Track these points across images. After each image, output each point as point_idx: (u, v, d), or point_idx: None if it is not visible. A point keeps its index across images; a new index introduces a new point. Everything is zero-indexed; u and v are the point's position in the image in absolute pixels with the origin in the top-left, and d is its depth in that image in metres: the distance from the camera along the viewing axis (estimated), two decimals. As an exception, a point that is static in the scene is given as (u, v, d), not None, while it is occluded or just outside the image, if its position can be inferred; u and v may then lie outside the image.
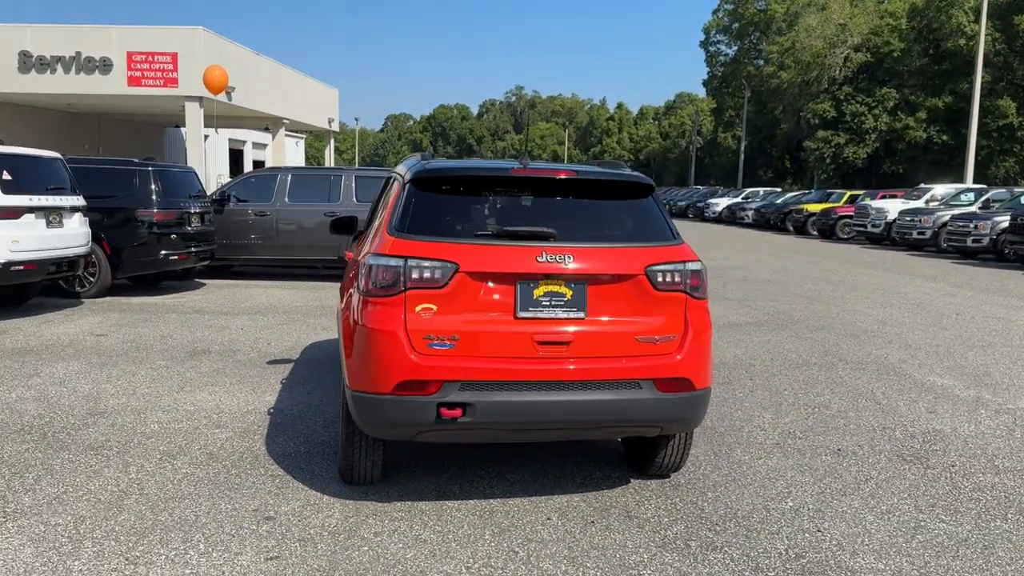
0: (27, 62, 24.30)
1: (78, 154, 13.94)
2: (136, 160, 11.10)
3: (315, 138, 51.57)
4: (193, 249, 11.44)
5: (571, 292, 3.70)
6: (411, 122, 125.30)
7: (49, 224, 9.05)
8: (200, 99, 24.76)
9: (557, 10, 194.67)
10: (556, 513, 3.94)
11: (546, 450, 4.84)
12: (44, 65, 24.44)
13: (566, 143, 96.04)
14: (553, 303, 3.68)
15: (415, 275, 3.59)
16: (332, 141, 39.20)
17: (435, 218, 3.83)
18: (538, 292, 3.67)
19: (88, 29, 24.59)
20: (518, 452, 4.77)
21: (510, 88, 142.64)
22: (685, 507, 4.09)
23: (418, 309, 3.59)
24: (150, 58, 24.69)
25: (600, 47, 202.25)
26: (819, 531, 3.85)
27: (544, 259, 3.65)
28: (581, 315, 3.72)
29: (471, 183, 4.04)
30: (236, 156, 40.81)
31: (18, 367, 6.63)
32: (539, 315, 3.67)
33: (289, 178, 13.20)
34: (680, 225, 25.43)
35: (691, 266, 3.90)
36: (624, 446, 4.77)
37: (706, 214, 41.21)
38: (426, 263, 3.60)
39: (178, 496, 3.99)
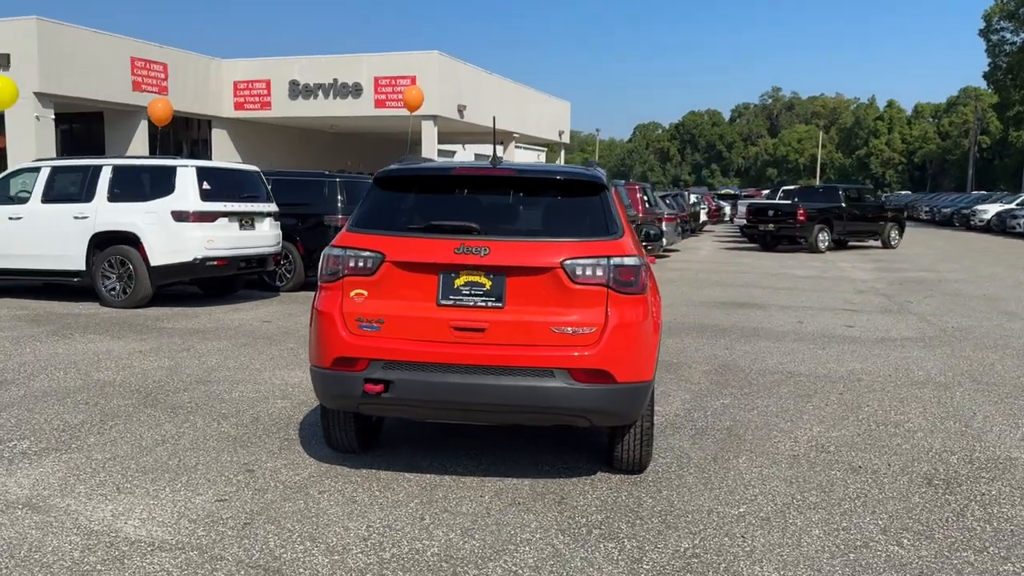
0: (295, 89, 27.89)
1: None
2: (327, 172, 12.62)
3: (566, 150, 53.28)
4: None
5: (490, 283, 3.95)
6: (660, 130, 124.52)
7: (242, 226, 10.66)
8: (434, 117, 26.97)
9: (817, 5, 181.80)
10: (493, 493, 4.19)
11: (535, 439, 5.03)
12: (309, 92, 27.89)
13: (820, 146, 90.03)
14: (472, 292, 3.96)
15: (351, 264, 4.06)
16: (563, 152, 40.51)
17: (384, 214, 4.26)
18: (459, 282, 3.97)
19: (343, 59, 27.74)
20: (505, 438, 5.03)
21: (766, 90, 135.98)
22: (624, 500, 4.13)
23: (352, 294, 4.06)
24: (393, 82, 27.25)
25: (868, 40, 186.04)
26: (742, 537, 3.73)
27: (462, 251, 3.94)
28: (499, 304, 3.95)
29: (421, 183, 4.42)
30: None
31: (179, 343, 8.02)
32: (460, 303, 3.96)
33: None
34: (935, 234, 23.62)
35: (617, 261, 3.97)
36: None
37: (972, 222, 36.83)
38: (360, 253, 4.05)
39: (198, 448, 4.79)
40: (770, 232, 23.38)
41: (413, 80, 27.12)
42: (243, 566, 3.31)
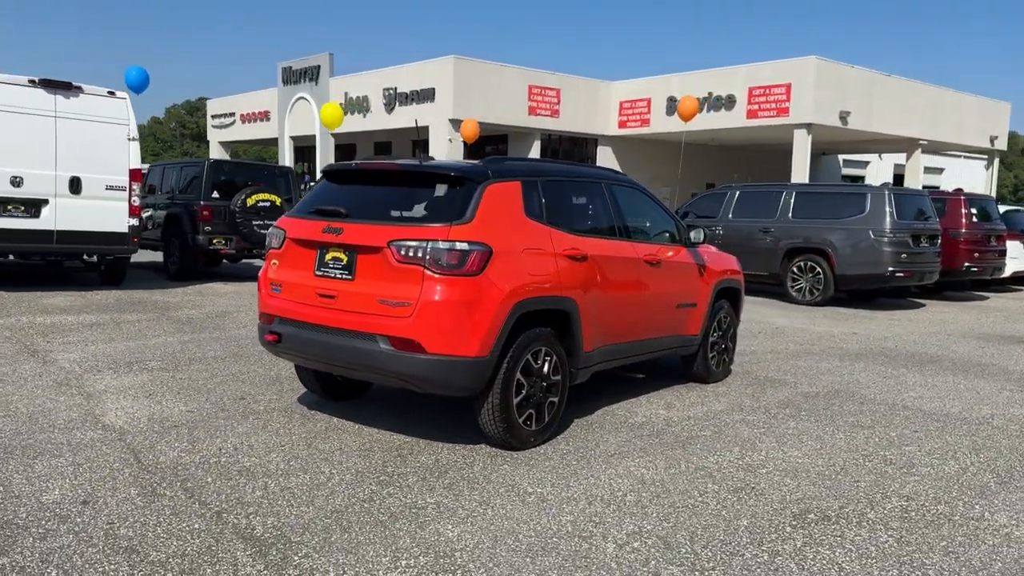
0: (672, 105, 28.93)
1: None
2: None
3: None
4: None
5: (347, 258, 4.67)
6: None
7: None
8: (808, 126, 25.81)
9: None
10: (366, 442, 4.86)
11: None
12: (684, 106, 28.72)
13: None
14: (334, 266, 4.71)
15: (272, 240, 5.11)
16: (996, 161, 34.88)
17: (311, 200, 5.19)
18: (328, 256, 4.76)
19: (717, 72, 28.02)
20: (457, 405, 5.55)
21: None
22: (452, 465, 4.49)
23: (272, 263, 5.10)
24: (766, 91, 26.80)
25: None
26: (489, 507, 3.93)
27: (327, 231, 4.72)
28: (350, 277, 4.64)
29: (340, 175, 5.21)
30: (898, 181, 39.68)
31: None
32: (326, 274, 4.75)
33: (736, 195, 13.82)
34: None
35: (438, 244, 4.37)
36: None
37: None
38: (276, 231, 5.08)
39: (240, 381, 6.22)
40: None
41: (787, 88, 26.33)
42: (120, 446, 4.59)
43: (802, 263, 12.73)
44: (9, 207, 9.93)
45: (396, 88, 28.55)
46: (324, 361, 4.85)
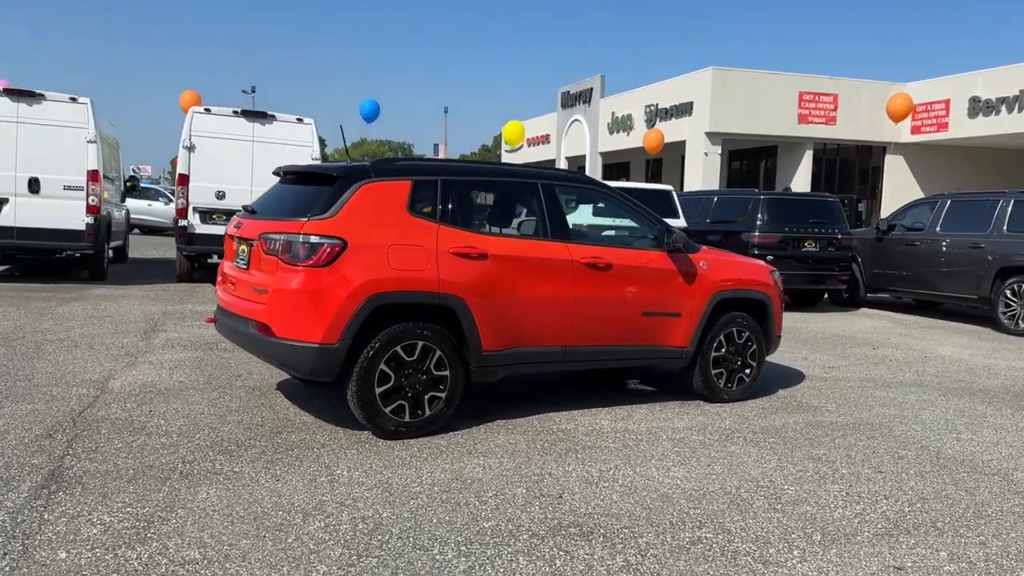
0: (975, 107, 25.34)
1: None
2: (755, 191, 12.54)
3: None
4: (804, 272, 12.15)
5: (247, 250, 5.14)
6: None
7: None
8: None
9: None
10: (275, 421, 5.30)
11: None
12: (990, 108, 25.01)
13: None
14: (241, 257, 5.22)
15: (224, 237, 5.77)
16: None
17: (255, 200, 5.73)
18: (240, 249, 5.27)
19: (1034, 66, 23.86)
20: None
21: None
22: (314, 445, 4.77)
23: (223, 258, 5.75)
24: (1100, 83, 22.38)
25: None
26: (275, 474, 4.16)
27: (235, 227, 5.25)
28: (245, 267, 5.11)
29: (285, 177, 5.63)
30: None
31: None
32: (237, 265, 5.28)
33: (947, 204, 11.83)
34: None
35: (288, 237, 4.68)
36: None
37: None
38: (226, 229, 5.72)
39: (260, 363, 6.98)
40: None
41: None
42: (86, 401, 5.51)
43: (1016, 285, 10.55)
44: (214, 216, 12.01)
45: (657, 104, 28.50)
46: (236, 343, 5.39)
